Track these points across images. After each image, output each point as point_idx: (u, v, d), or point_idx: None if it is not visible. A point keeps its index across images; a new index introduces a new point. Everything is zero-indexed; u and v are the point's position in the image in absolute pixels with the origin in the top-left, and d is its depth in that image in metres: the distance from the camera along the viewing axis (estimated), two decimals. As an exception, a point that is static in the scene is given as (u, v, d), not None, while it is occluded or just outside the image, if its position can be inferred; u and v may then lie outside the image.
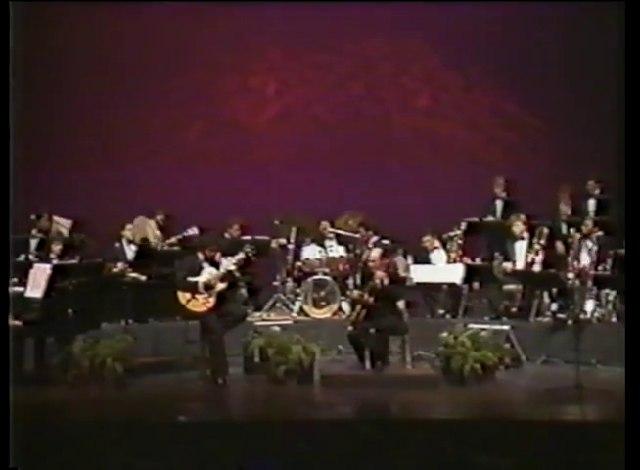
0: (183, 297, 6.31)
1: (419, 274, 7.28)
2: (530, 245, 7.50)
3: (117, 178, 9.08)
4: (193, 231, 8.06)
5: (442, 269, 7.60)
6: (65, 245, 7.35)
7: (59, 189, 8.68)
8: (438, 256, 7.93)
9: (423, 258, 7.81)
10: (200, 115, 9.38)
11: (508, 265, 7.46)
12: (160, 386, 6.26)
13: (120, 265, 7.43)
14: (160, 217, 8.40)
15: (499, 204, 8.63)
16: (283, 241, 8.28)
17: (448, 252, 7.88)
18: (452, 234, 7.91)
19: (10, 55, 4.45)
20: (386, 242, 7.84)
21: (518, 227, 7.61)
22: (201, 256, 6.46)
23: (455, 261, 7.77)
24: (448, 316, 7.55)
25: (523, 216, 7.70)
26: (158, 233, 7.81)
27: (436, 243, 7.95)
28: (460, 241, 7.88)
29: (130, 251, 7.71)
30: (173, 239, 8.17)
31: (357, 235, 8.09)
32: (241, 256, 6.51)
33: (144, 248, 7.81)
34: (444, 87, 9.48)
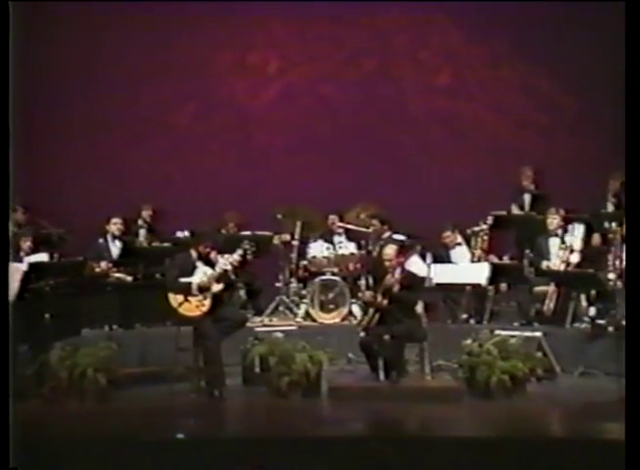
0: (174, 299, 6.30)
1: (439, 274, 7.20)
2: (565, 241, 7.44)
3: (100, 166, 9.10)
4: (184, 234, 8.04)
5: (465, 269, 7.55)
6: (37, 241, 7.31)
7: (33, 178, 8.66)
8: (461, 253, 7.90)
9: (443, 257, 7.77)
10: (192, 94, 9.38)
11: (546, 262, 7.40)
12: (149, 399, 6.25)
13: (104, 264, 7.43)
14: (146, 213, 8.37)
15: (527, 198, 8.56)
16: (286, 237, 8.27)
17: (472, 249, 7.85)
18: (477, 229, 7.87)
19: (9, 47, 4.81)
20: (400, 237, 7.81)
21: (554, 221, 7.56)
22: (194, 253, 6.44)
23: (480, 260, 7.72)
24: (472, 321, 7.52)
25: (562, 210, 7.64)
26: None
27: (459, 239, 7.92)
28: (485, 237, 7.83)
29: (115, 248, 7.70)
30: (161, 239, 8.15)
31: (370, 229, 8.04)
32: (239, 253, 6.49)
33: (130, 245, 7.79)
34: (468, 64, 9.44)
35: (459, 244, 7.93)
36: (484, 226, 7.87)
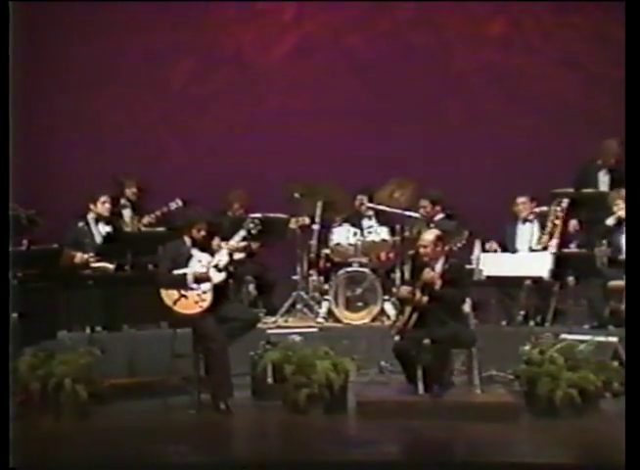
0: (168, 296, 6.33)
1: (491, 265, 7.15)
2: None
3: (78, 134, 9.15)
4: (177, 204, 8.07)
5: (524, 259, 7.46)
6: None
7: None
8: (530, 232, 7.82)
9: (507, 233, 7.73)
10: (190, 48, 9.38)
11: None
12: (139, 416, 6.27)
13: (81, 253, 7.40)
14: (130, 190, 8.38)
15: (604, 174, 8.41)
16: (305, 220, 8.28)
17: (542, 232, 7.74)
18: (553, 208, 7.75)
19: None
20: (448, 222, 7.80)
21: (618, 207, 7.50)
22: (187, 240, 6.46)
23: (546, 247, 7.64)
24: (532, 323, 7.49)
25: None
26: None
27: (532, 215, 7.80)
28: (557, 221, 7.71)
29: (100, 233, 7.72)
30: (150, 217, 8.15)
31: (418, 212, 7.99)
32: (241, 234, 6.50)
33: (117, 229, 7.81)
34: (528, 9, 9.34)
35: (530, 220, 7.84)
36: (558, 208, 7.75)
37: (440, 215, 7.94)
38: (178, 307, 6.31)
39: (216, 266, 6.36)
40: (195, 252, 6.43)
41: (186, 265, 6.37)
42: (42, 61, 9.01)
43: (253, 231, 6.60)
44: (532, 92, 9.25)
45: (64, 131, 9.16)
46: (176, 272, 6.33)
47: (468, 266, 7.01)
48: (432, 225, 7.63)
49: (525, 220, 7.89)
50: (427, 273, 6.34)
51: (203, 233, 6.44)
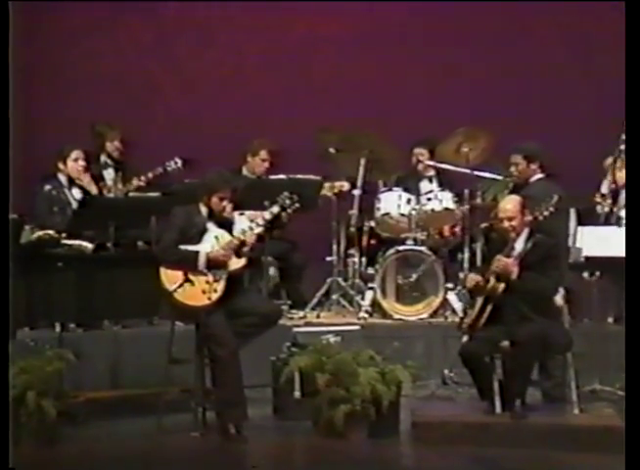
0: (169, 277, 6.34)
1: (592, 241, 7.02)
2: None
3: (46, 70, 9.15)
4: (176, 164, 8.07)
5: (637, 234, 7.38)
6: None
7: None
8: None
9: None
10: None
11: None
12: (125, 440, 6.29)
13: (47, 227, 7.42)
14: (112, 144, 8.38)
15: None
16: (343, 184, 8.27)
17: None
18: None
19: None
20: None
21: None
22: (203, 209, 6.48)
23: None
24: (647, 320, 7.42)
25: None
26: None
27: None
28: None
29: (74, 199, 7.72)
30: (139, 180, 8.09)
31: (511, 173, 7.82)
32: (273, 211, 6.53)
33: (89, 194, 7.79)
34: None
35: None
36: None
37: (538, 176, 7.72)
38: (180, 296, 6.31)
39: (236, 248, 6.33)
40: (211, 226, 6.43)
41: (199, 241, 6.37)
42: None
43: (289, 209, 6.60)
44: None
45: (25, 65, 9.09)
46: (184, 248, 6.34)
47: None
48: (527, 191, 7.44)
49: None
50: (507, 250, 6.29)
51: (225, 204, 6.43)
